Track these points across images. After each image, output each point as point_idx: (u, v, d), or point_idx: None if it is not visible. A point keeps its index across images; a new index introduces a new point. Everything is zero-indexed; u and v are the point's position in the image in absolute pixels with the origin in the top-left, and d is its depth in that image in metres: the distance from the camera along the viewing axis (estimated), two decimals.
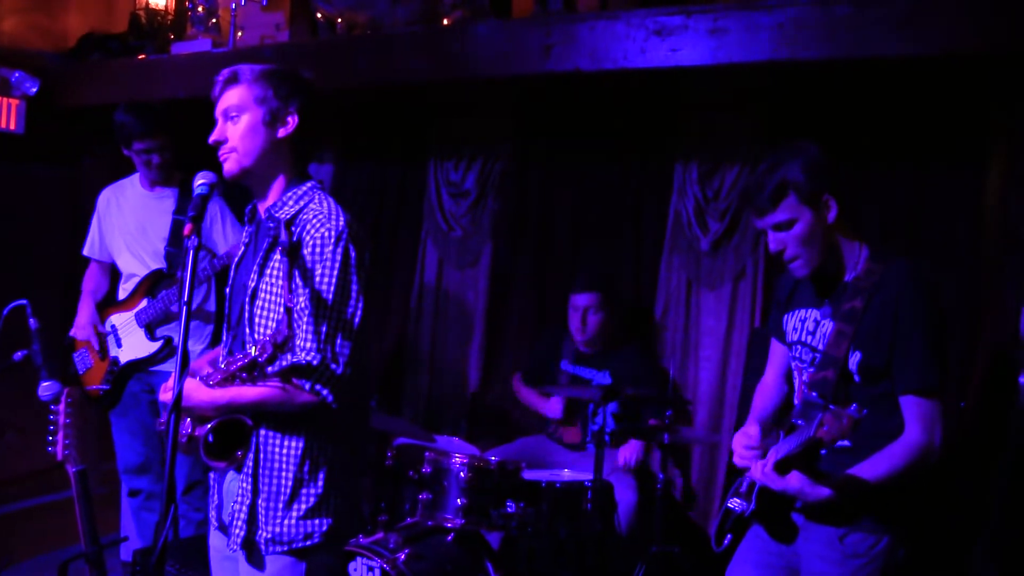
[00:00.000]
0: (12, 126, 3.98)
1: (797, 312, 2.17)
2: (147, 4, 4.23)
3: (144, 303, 3.30)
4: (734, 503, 2.14)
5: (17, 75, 3.92)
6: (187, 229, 1.74)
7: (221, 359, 2.05)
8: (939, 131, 3.12)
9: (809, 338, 2.11)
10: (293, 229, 1.90)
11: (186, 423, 1.93)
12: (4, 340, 2.56)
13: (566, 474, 3.27)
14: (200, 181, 1.83)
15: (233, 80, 1.98)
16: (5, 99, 3.94)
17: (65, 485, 2.44)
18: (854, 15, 2.44)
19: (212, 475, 2.07)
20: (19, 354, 2.56)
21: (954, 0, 2.38)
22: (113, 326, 3.39)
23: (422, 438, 3.40)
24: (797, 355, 2.17)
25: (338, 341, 1.87)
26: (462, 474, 2.94)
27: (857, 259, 2.04)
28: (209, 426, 1.89)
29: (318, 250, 1.87)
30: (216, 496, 2.05)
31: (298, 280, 1.87)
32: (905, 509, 2.02)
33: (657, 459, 3.32)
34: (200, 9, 4.00)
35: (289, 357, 1.86)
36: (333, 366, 1.86)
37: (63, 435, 2.44)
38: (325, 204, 1.94)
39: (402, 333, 4.26)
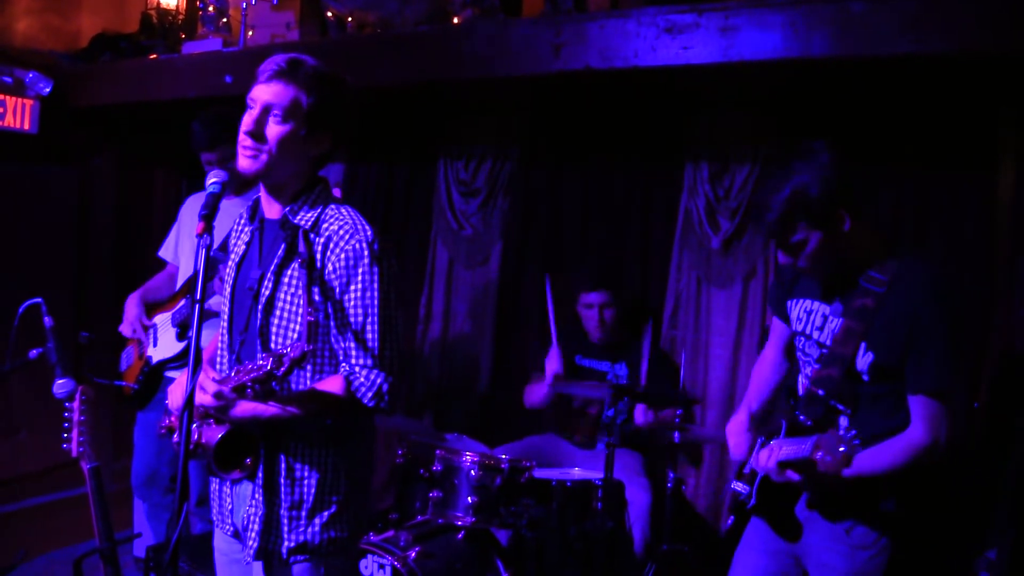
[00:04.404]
0: (26, 126, 3.99)
1: (803, 301, 2.15)
2: (158, 4, 4.25)
3: (182, 303, 3.30)
4: (737, 486, 2.16)
5: (31, 75, 3.94)
6: (199, 228, 1.70)
7: (219, 359, 2.02)
8: (950, 130, 3.10)
9: (817, 333, 2.09)
10: (315, 239, 1.86)
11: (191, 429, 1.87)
12: (18, 338, 2.58)
13: (576, 473, 3.27)
14: (212, 180, 1.80)
15: (290, 75, 1.84)
16: (19, 99, 3.96)
17: (80, 481, 2.47)
18: (867, 12, 2.43)
19: (217, 480, 2.02)
20: (34, 352, 2.57)
21: None
22: (155, 325, 3.41)
23: (433, 436, 3.41)
24: (802, 347, 2.15)
25: (388, 350, 1.87)
26: (472, 472, 2.95)
27: (869, 256, 2.01)
28: (220, 435, 1.85)
29: (352, 262, 1.84)
30: (230, 500, 1.99)
31: (327, 292, 1.84)
32: (910, 505, 2.01)
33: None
34: (211, 9, 4.01)
35: (345, 367, 1.87)
36: (389, 376, 1.86)
37: (78, 432, 2.46)
38: (344, 211, 1.91)
39: (412, 332, 4.27)
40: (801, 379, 2.18)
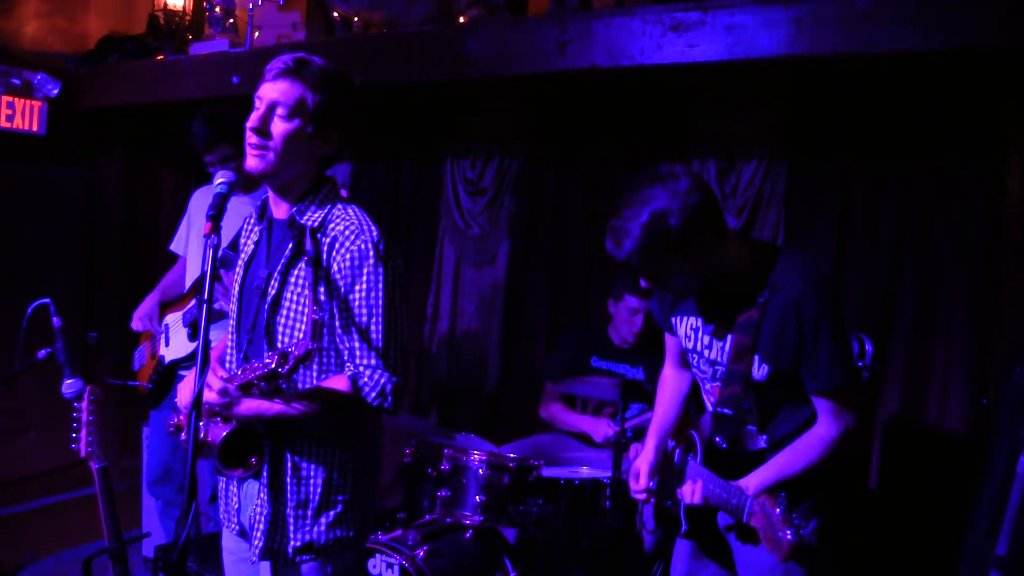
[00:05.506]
0: (35, 128, 4.02)
1: (687, 319, 2.12)
2: (165, 5, 4.26)
3: (192, 303, 3.30)
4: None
5: (39, 77, 3.96)
6: (206, 228, 1.70)
7: (228, 358, 2.03)
8: (956, 127, 3.09)
9: (707, 351, 2.07)
10: (322, 239, 1.86)
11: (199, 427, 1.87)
12: (27, 338, 2.59)
13: (584, 471, 3.26)
14: (219, 180, 1.80)
15: (296, 73, 1.84)
16: (28, 101, 3.98)
17: (88, 481, 2.47)
18: (871, 9, 2.42)
19: (224, 478, 2.02)
20: (43, 352, 2.58)
21: None
22: (166, 325, 3.42)
23: (441, 435, 3.41)
24: (696, 364, 2.14)
25: (393, 350, 1.87)
26: (480, 471, 2.95)
27: (745, 269, 1.96)
28: (224, 434, 1.85)
29: (357, 262, 1.84)
30: (236, 500, 2.01)
31: (333, 292, 1.84)
32: (831, 492, 2.04)
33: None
34: (217, 9, 4.02)
35: (350, 366, 1.87)
36: (394, 376, 1.86)
37: (86, 432, 2.47)
38: (351, 211, 1.91)
39: (419, 330, 4.28)
40: (703, 395, 2.17)
